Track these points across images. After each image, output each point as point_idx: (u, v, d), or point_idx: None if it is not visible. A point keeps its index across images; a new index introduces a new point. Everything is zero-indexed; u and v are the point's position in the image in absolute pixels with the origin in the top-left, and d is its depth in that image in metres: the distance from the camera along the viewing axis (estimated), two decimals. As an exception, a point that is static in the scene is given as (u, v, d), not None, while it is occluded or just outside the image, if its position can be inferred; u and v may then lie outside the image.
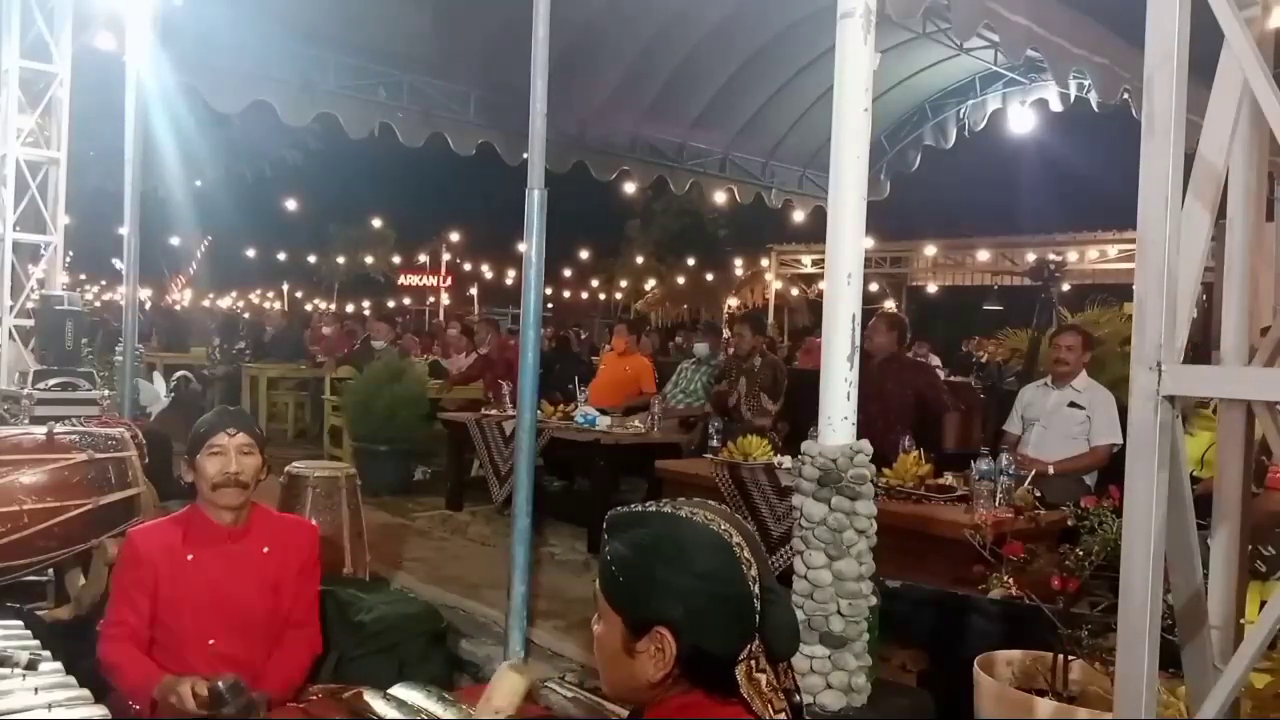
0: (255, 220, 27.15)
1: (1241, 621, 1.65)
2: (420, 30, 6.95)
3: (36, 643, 2.23)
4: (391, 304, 33.60)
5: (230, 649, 2.49)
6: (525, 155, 3.72)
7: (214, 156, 13.33)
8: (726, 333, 14.72)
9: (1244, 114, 1.49)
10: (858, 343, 2.96)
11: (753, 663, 1.24)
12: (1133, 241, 1.54)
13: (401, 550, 5.42)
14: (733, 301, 25.89)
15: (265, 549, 2.62)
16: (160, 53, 5.62)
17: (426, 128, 7.57)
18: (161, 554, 2.49)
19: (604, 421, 6.31)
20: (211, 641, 2.47)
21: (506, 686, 1.90)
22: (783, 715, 1.25)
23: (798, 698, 1.28)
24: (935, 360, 11.32)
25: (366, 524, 4.45)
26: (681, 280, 30.47)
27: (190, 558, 2.51)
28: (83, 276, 23.32)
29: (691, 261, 29.73)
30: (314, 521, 3.78)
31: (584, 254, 32.37)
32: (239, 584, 2.54)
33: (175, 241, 27.12)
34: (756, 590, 1.24)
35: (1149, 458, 1.44)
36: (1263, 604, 1.39)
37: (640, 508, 1.33)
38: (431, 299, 35.80)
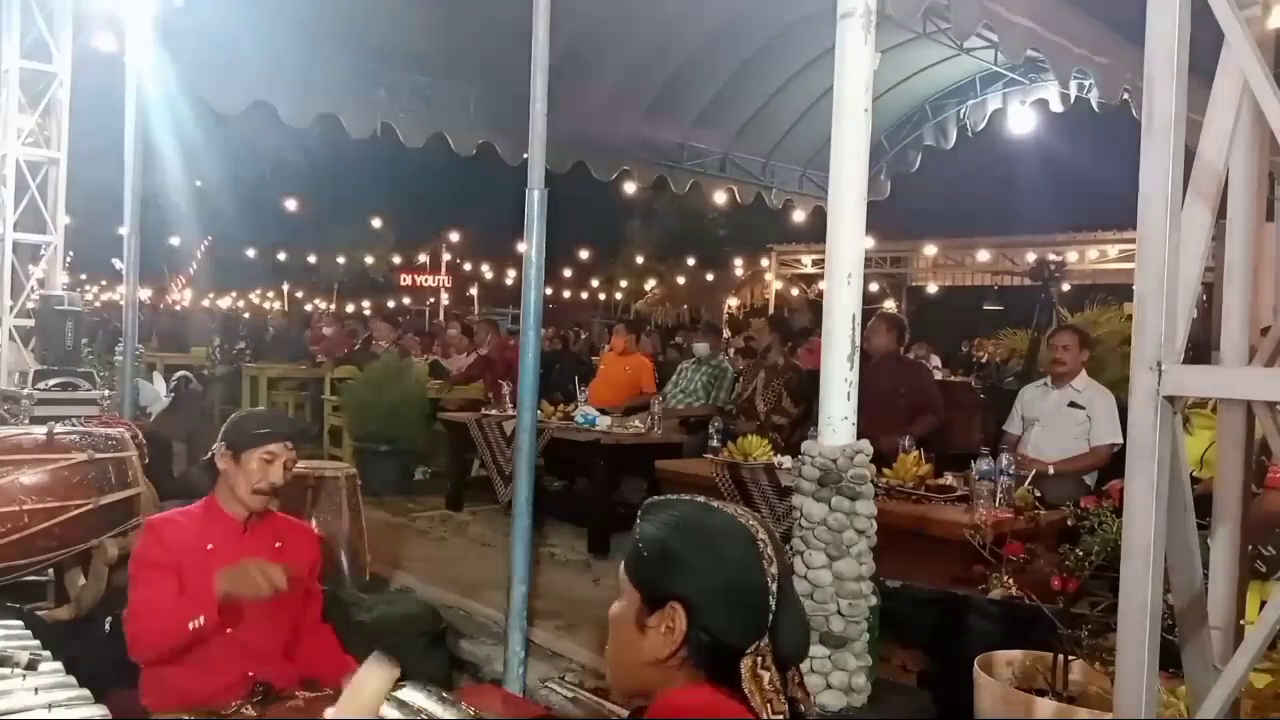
0: (255, 220, 27.11)
1: (1241, 622, 1.65)
2: (420, 30, 6.94)
3: (36, 643, 2.23)
4: (391, 304, 33.52)
5: (248, 637, 2.53)
6: (525, 155, 3.72)
7: (214, 157, 13.35)
8: (727, 333, 14.76)
9: (1244, 114, 1.49)
10: (858, 343, 2.96)
11: (759, 659, 1.25)
12: (1133, 241, 1.54)
13: (401, 550, 5.42)
14: (733, 301, 25.89)
15: (277, 544, 2.67)
16: (160, 53, 5.62)
17: (427, 128, 7.56)
18: (184, 541, 2.52)
19: (604, 421, 6.32)
20: (230, 630, 2.49)
21: (376, 681, 1.70)
22: (780, 717, 1.25)
23: (802, 708, 1.29)
24: (935, 361, 11.30)
25: (366, 524, 4.45)
26: (681, 280, 30.44)
27: (210, 548, 2.54)
28: (83, 276, 23.28)
29: (691, 261, 29.70)
30: (314, 521, 3.79)
31: (584, 254, 32.32)
32: None
33: (175, 241, 27.09)
34: (774, 589, 1.27)
35: (1149, 458, 1.44)
36: (1263, 604, 1.39)
37: (675, 496, 1.39)
38: (431, 299, 35.78)
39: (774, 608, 1.26)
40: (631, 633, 1.31)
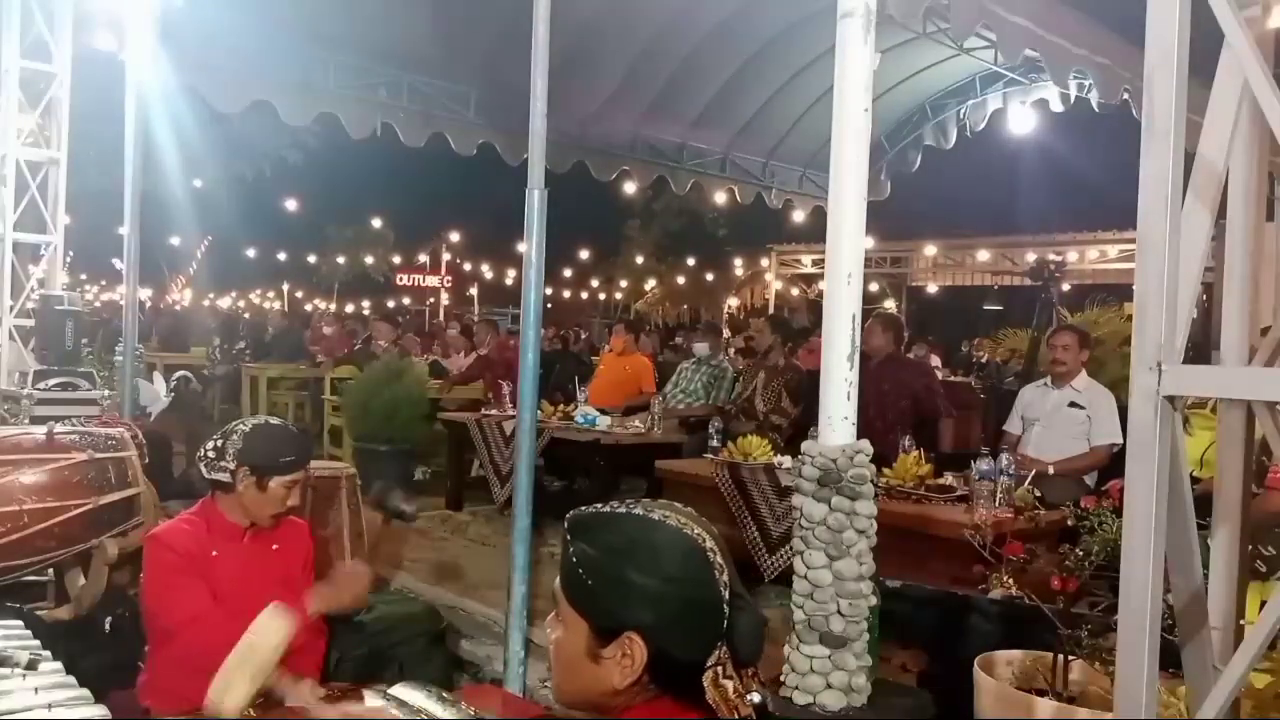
0: (255, 220, 27.13)
1: (1241, 622, 1.65)
2: (420, 30, 6.94)
3: (36, 643, 2.23)
4: (391, 304, 33.55)
5: None
6: (525, 155, 3.72)
7: (214, 156, 13.32)
8: (727, 333, 14.76)
9: (1244, 114, 1.49)
10: (858, 343, 2.96)
11: (719, 669, 1.21)
12: (1133, 241, 1.54)
13: (401, 550, 5.41)
14: (733, 301, 25.91)
15: (274, 546, 2.70)
16: (160, 53, 5.62)
17: (427, 128, 7.56)
18: (192, 547, 2.54)
19: (604, 421, 6.32)
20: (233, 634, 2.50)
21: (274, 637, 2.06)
22: None
23: (755, 696, 1.25)
24: (936, 361, 11.30)
25: (366, 524, 4.44)
26: (681, 280, 30.46)
27: (214, 554, 2.57)
28: (83, 276, 23.30)
29: (691, 261, 29.73)
30: (312, 521, 3.79)
31: (584, 254, 32.34)
32: (256, 578, 2.60)
33: (175, 241, 27.12)
34: (727, 596, 1.22)
35: (1149, 458, 1.44)
36: (1263, 604, 1.39)
37: (607, 509, 1.29)
38: (431, 299, 35.79)
39: (728, 614, 1.22)
40: (583, 663, 1.24)
